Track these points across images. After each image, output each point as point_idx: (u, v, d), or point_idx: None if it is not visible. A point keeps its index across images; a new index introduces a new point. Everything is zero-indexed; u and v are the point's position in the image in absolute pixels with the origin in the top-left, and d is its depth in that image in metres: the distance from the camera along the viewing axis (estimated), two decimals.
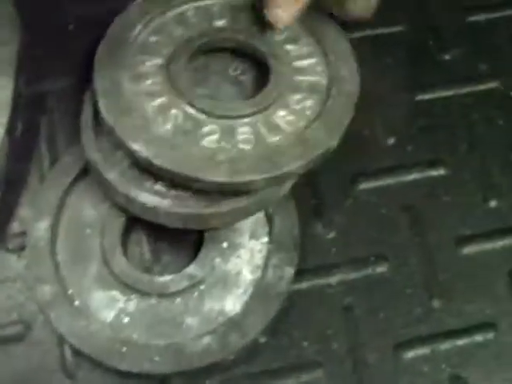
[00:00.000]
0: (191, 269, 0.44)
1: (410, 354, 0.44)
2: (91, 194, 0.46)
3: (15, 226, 0.46)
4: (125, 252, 0.45)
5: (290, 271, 0.44)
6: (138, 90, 0.44)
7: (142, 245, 0.46)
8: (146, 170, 0.43)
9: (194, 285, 0.44)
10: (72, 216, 0.46)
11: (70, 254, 0.45)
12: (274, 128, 0.44)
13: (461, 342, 0.45)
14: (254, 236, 0.45)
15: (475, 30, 0.54)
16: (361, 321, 0.45)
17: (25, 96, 0.49)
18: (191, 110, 0.44)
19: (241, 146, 0.43)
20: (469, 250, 0.47)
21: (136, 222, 0.45)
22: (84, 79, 0.46)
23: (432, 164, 0.49)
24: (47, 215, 0.45)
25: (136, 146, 0.42)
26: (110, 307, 0.43)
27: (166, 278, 0.44)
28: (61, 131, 0.49)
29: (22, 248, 0.45)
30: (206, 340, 0.42)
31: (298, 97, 0.45)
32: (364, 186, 0.48)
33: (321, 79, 0.46)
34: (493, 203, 0.48)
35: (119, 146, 0.43)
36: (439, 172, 0.49)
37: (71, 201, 0.46)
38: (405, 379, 0.44)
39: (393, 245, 0.47)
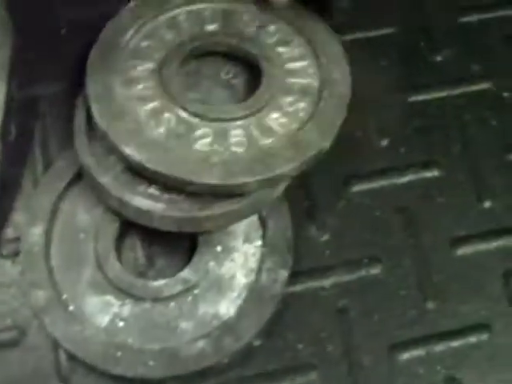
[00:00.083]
0: (185, 273, 0.44)
1: (405, 356, 0.44)
2: (85, 199, 0.46)
3: (9, 232, 0.46)
4: (119, 257, 0.45)
5: (283, 274, 0.44)
6: (130, 94, 0.44)
7: (135, 249, 0.46)
8: (140, 174, 0.43)
9: (188, 289, 0.44)
10: (66, 221, 0.46)
11: (64, 259, 0.45)
12: (267, 130, 0.44)
13: (455, 343, 0.45)
14: (247, 239, 0.45)
15: (467, 30, 0.53)
16: (355, 323, 0.45)
17: (17, 100, 0.49)
18: (184, 114, 0.44)
19: (234, 148, 0.43)
20: (463, 251, 0.47)
21: (130, 227, 0.45)
22: (76, 84, 0.46)
23: (426, 165, 0.49)
24: (41, 220, 0.45)
25: (129, 150, 0.42)
26: (104, 312, 0.43)
27: (160, 282, 0.44)
28: (54, 136, 0.49)
29: (16, 253, 0.45)
30: (201, 344, 0.42)
31: (290, 99, 0.45)
32: (357, 187, 0.48)
33: (313, 81, 0.46)
34: (487, 204, 0.48)
35: (112, 150, 0.43)
36: (433, 173, 0.49)
37: (65, 206, 0.46)
38: (400, 381, 0.44)
39: (386, 246, 0.47)
